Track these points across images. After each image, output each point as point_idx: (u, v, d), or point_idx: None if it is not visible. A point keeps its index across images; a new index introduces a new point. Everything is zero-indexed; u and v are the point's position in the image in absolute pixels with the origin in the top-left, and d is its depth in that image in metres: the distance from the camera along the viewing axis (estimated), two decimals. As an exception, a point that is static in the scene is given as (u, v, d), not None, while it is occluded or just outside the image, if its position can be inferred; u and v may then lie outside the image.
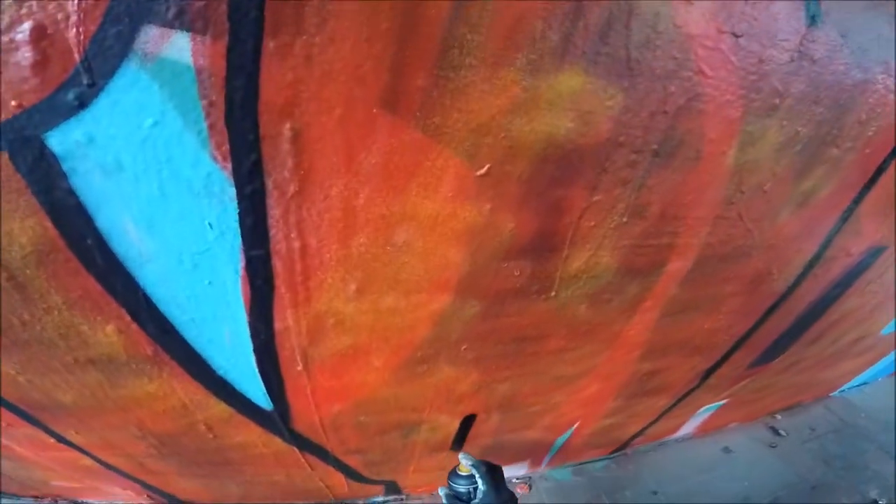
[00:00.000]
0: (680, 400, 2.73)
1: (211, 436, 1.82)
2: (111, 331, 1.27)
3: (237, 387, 1.56)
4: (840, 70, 1.27)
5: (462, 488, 1.61)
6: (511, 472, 3.06)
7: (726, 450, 3.42)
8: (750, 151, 1.33)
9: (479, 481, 1.54)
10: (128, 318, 1.25)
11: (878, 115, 1.41)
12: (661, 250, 1.53)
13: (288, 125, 0.97)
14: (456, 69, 0.98)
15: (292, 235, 1.14)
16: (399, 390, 1.75)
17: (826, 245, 1.84)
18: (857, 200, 1.69)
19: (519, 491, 3.04)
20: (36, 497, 2.68)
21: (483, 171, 1.14)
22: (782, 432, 3.55)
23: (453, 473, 1.65)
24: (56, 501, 2.70)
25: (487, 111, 1.05)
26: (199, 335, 1.35)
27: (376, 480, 2.66)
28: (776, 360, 2.65)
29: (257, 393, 1.59)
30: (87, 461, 2.01)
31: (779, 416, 3.71)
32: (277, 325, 1.35)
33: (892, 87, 1.36)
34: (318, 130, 0.99)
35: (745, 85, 1.18)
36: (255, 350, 1.41)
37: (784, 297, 2.03)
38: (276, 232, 1.13)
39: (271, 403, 1.66)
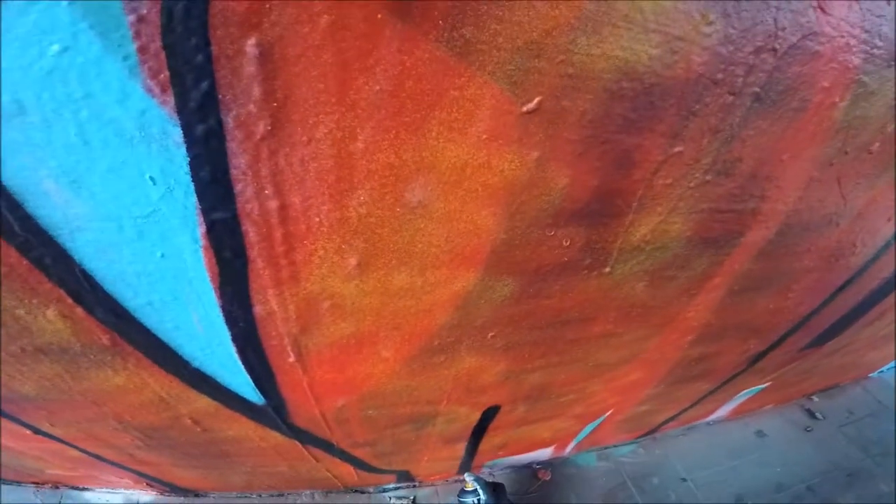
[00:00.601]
0: (723, 384, 2.54)
1: (199, 430, 1.66)
2: (53, 316, 1.06)
3: (219, 380, 1.35)
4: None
5: (469, 500, 2.09)
6: (534, 456, 2.93)
7: (759, 433, 3.29)
8: (863, 106, 1.14)
9: (481, 493, 2.00)
10: (69, 300, 1.02)
11: None
12: (743, 216, 1.27)
13: (253, 40, 0.70)
14: (498, -37, 0.71)
15: (267, 192, 0.87)
16: (412, 382, 1.53)
17: (917, 215, 1.61)
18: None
19: (540, 477, 2.95)
20: (36, 484, 2.66)
21: (532, 105, 0.86)
22: (819, 415, 3.41)
23: (461, 491, 2.15)
24: (57, 487, 2.69)
25: (541, 24, 0.78)
26: (162, 321, 1.11)
27: (387, 470, 2.56)
28: (831, 342, 2.45)
29: (244, 386, 1.38)
30: (74, 452, 1.91)
31: (815, 398, 3.57)
32: (258, 310, 1.10)
33: None
34: (297, 46, 0.72)
35: (869, 28, 1.00)
36: (234, 339, 1.17)
37: (859, 272, 1.80)
38: (243, 187, 0.85)
39: (262, 398, 1.45)
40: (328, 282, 1.06)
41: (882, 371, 3.76)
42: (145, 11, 0.66)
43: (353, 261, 1.03)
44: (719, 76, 0.94)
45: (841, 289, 1.86)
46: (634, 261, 1.27)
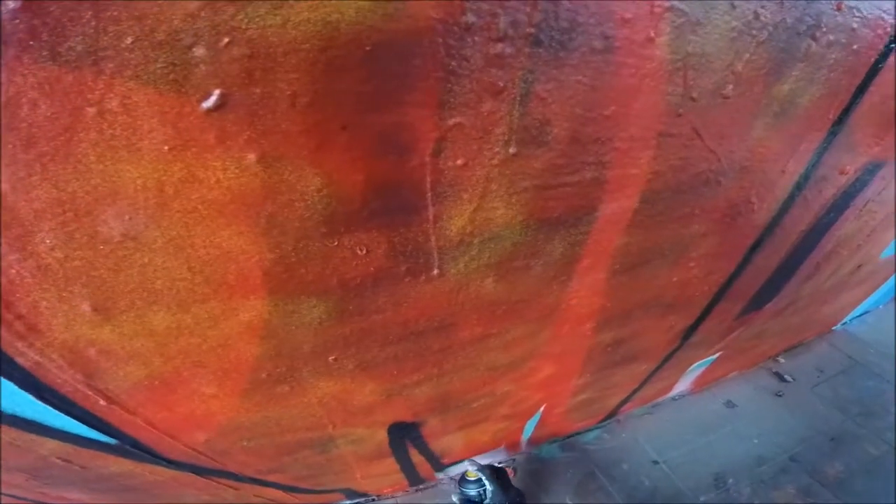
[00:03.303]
0: (664, 362, 2.39)
1: (78, 468, 1.49)
2: None
3: (47, 423, 1.19)
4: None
5: (472, 492, 1.94)
6: (489, 458, 2.75)
7: (729, 404, 3.12)
8: (692, 40, 0.94)
9: (487, 483, 1.84)
10: None
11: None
12: (585, 189, 1.09)
13: None
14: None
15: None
16: (269, 413, 1.38)
17: (815, 163, 1.44)
18: (848, 109, 1.31)
19: (505, 475, 2.82)
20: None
21: (212, 101, 0.69)
22: (788, 377, 3.25)
23: (463, 480, 2.01)
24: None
25: (180, 9, 0.61)
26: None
27: (324, 490, 2.38)
28: (769, 304, 2.29)
29: (79, 427, 1.23)
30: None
31: (781, 360, 3.40)
32: (22, 361, 0.95)
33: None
34: None
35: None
36: (24, 388, 1.02)
37: (769, 229, 1.64)
38: None
39: (108, 437, 1.30)
40: (77, 330, 0.91)
41: (845, 323, 3.61)
42: None
43: (86, 307, 0.87)
44: (468, 18, 0.73)
45: (754, 249, 1.70)
46: (466, 257, 1.10)
